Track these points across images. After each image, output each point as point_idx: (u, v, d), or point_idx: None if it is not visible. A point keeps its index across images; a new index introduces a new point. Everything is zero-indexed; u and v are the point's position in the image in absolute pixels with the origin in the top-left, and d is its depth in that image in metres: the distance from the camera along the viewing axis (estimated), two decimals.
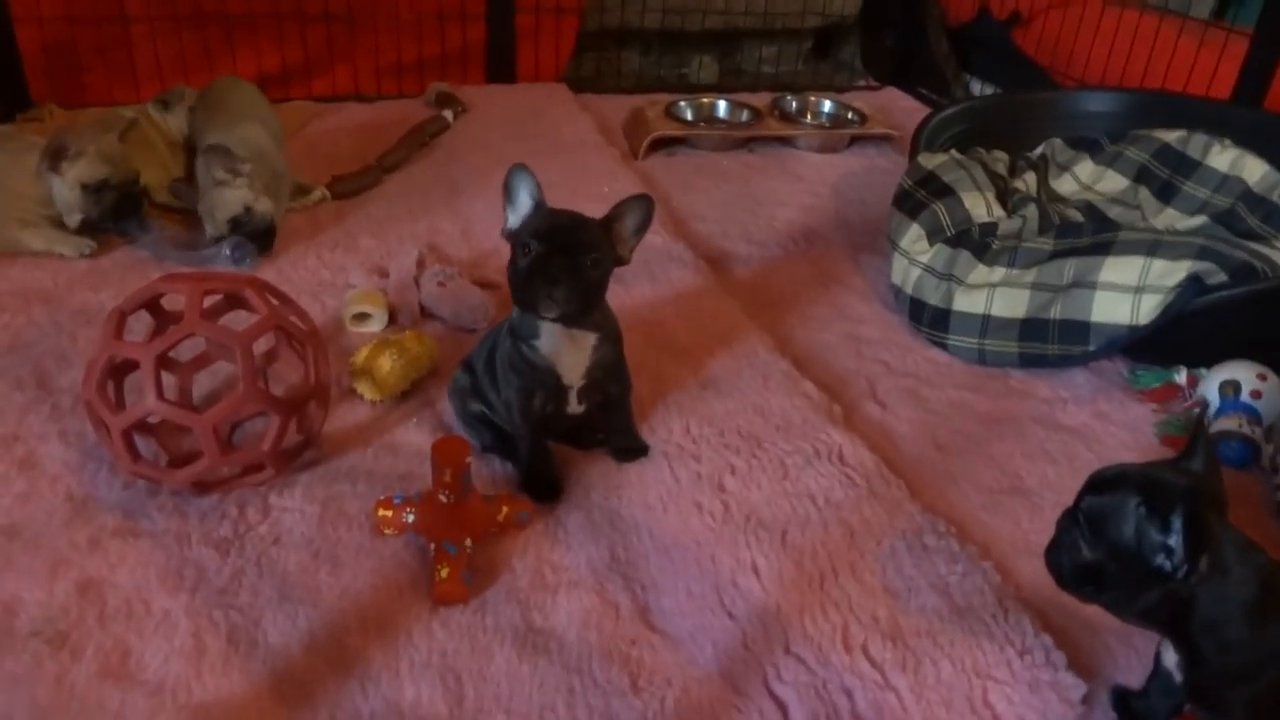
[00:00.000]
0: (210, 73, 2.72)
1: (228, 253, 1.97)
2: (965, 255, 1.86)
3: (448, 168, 2.52)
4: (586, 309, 1.27)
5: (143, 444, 1.35)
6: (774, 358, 1.73)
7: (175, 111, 2.28)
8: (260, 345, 1.44)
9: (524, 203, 1.30)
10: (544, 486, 1.41)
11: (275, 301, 1.39)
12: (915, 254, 1.92)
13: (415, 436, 1.52)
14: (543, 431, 1.43)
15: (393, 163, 2.48)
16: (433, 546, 1.27)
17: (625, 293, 1.90)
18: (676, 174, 2.63)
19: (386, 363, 1.58)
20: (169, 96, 2.31)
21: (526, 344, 1.34)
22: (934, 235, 1.91)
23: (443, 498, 1.27)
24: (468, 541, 1.27)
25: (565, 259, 1.22)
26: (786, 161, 2.74)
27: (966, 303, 1.82)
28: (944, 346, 1.83)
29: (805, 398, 1.62)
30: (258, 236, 1.99)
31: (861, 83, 3.42)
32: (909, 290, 1.91)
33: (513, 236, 1.30)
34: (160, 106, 2.29)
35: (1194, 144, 2.19)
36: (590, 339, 1.35)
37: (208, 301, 1.38)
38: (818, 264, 2.19)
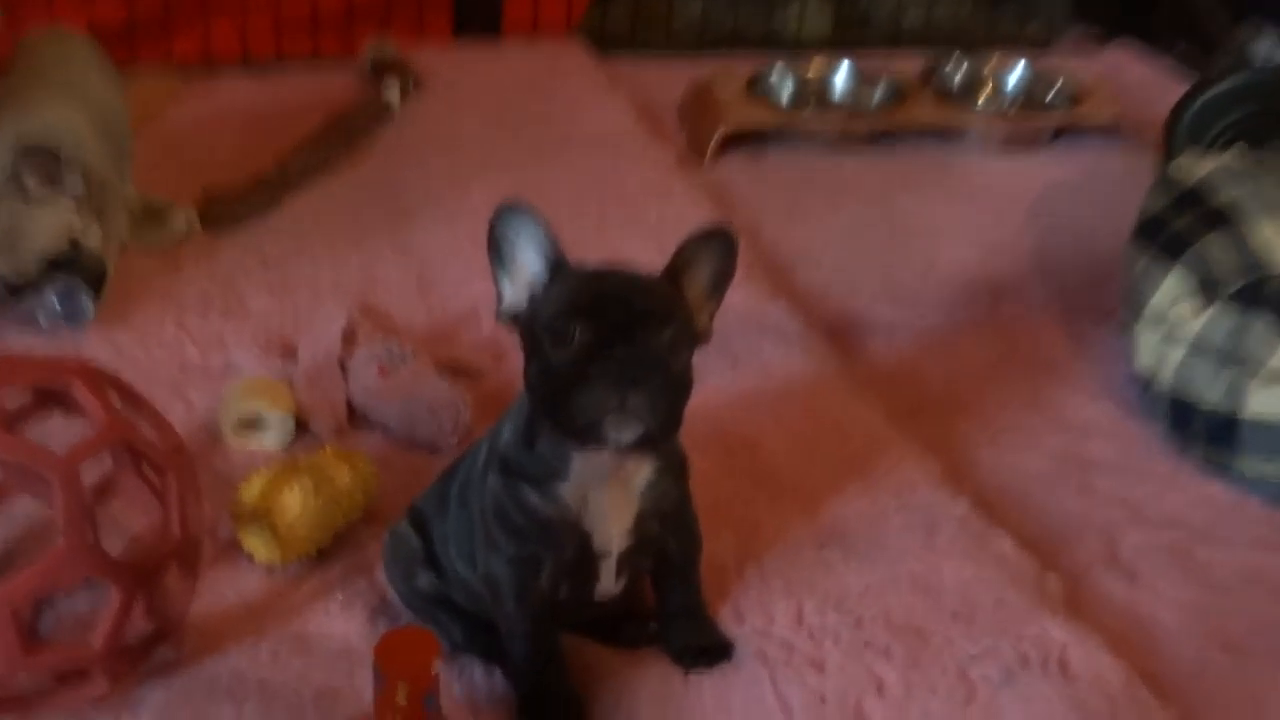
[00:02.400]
0: (14, 26, 2.81)
1: (55, 307, 2.02)
2: (1264, 322, 1.86)
3: (391, 179, 2.57)
4: (676, 422, 1.31)
5: None
6: (944, 496, 1.73)
7: None
8: (91, 472, 1.45)
9: (529, 265, 1.33)
10: (557, 712, 1.40)
11: (116, 401, 1.41)
12: (1176, 322, 1.92)
13: (343, 625, 1.52)
14: (554, 623, 1.43)
15: (302, 171, 2.54)
16: None
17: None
18: (769, 189, 2.66)
19: (294, 502, 1.58)
20: None
21: (536, 489, 1.35)
22: (1207, 290, 1.92)
23: None
24: None
25: (634, 345, 1.25)
26: (951, 168, 2.77)
27: (1269, 402, 1.82)
28: (1230, 475, 1.84)
29: (999, 564, 1.61)
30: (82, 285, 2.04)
31: (1072, 37, 3.47)
32: (1167, 383, 1.91)
33: (526, 321, 1.33)
34: None
35: None
36: (643, 472, 1.36)
37: (4, 399, 1.39)
38: (1009, 338, 2.18)
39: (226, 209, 2.40)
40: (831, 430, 1.86)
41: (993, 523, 1.70)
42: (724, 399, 1.92)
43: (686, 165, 2.71)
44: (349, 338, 1.97)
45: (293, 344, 2.00)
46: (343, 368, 1.92)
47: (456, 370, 1.95)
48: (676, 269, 1.34)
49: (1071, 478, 1.85)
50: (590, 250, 2.27)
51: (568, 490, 1.34)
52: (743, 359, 2.01)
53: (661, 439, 1.31)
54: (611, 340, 1.24)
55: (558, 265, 1.32)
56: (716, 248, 1.34)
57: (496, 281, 1.35)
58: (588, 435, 1.27)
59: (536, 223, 1.32)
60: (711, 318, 1.37)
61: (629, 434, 1.26)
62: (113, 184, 2.21)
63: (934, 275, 2.35)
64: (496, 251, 1.34)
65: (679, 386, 1.29)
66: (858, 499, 1.73)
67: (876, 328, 2.19)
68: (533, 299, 1.33)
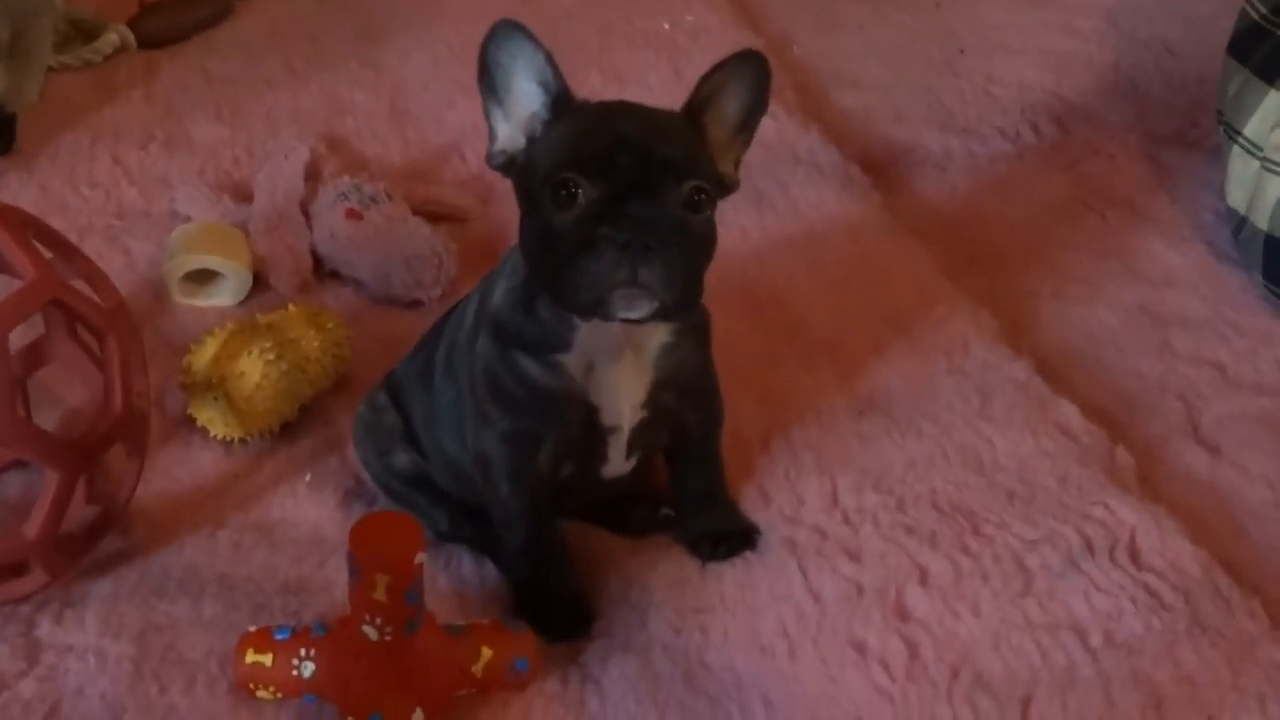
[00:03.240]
0: None
1: None
2: None
3: None
4: (699, 291, 1.30)
5: None
6: (1000, 357, 1.73)
7: None
8: (18, 336, 1.45)
9: (526, 98, 1.32)
10: (558, 608, 1.42)
11: (45, 251, 1.41)
12: (1276, 150, 1.91)
13: (312, 509, 1.54)
14: (554, 508, 1.44)
15: None
16: None
17: None
18: None
19: (253, 369, 1.59)
20: None
21: (535, 358, 1.35)
22: None
23: (370, 631, 1.28)
24: (418, 715, 1.29)
25: (649, 201, 1.23)
26: None
27: None
28: None
29: (1062, 435, 1.62)
30: None
31: None
32: (1263, 221, 1.91)
33: (523, 169, 1.32)
34: None
35: None
36: (658, 336, 1.36)
37: None
38: (1080, 172, 2.17)
39: (166, 22, 2.38)
40: (872, 280, 1.86)
41: (1056, 388, 1.69)
42: (748, 244, 1.92)
43: None
44: (312, 175, 1.97)
45: (247, 183, 2.00)
46: (305, 211, 1.92)
47: (438, 213, 1.95)
48: (698, 105, 1.32)
49: (1148, 335, 1.85)
50: (590, 68, 2.30)
51: (571, 360, 1.34)
52: (769, 197, 2.00)
53: (679, 314, 1.30)
54: (623, 198, 1.23)
55: (561, 100, 1.31)
56: (746, 77, 1.32)
57: (488, 116, 1.34)
58: (592, 311, 1.26)
59: (536, 48, 1.30)
60: (739, 162, 1.35)
61: (641, 310, 1.25)
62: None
63: (993, 97, 2.33)
64: (488, 81, 1.32)
65: (701, 251, 1.28)
66: (901, 360, 1.73)
67: (925, 160, 2.18)
68: (531, 140, 1.32)
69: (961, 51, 2.46)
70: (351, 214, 1.87)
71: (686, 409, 1.43)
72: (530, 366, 1.35)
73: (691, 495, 1.50)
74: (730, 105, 1.33)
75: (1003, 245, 2.01)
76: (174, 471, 1.59)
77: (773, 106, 2.17)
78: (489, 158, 1.34)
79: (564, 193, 1.24)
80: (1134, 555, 1.48)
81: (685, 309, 1.29)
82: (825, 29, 2.52)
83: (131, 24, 2.37)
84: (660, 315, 1.26)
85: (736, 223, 1.94)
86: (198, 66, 2.31)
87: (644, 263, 1.21)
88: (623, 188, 1.23)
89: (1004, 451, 1.60)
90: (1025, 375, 1.71)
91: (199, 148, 2.11)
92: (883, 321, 1.79)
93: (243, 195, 1.97)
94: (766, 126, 2.11)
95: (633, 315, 1.25)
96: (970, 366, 1.72)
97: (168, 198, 2.00)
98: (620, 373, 1.36)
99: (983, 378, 1.70)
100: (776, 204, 1.99)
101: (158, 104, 2.21)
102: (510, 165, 1.33)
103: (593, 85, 2.18)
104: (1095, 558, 1.47)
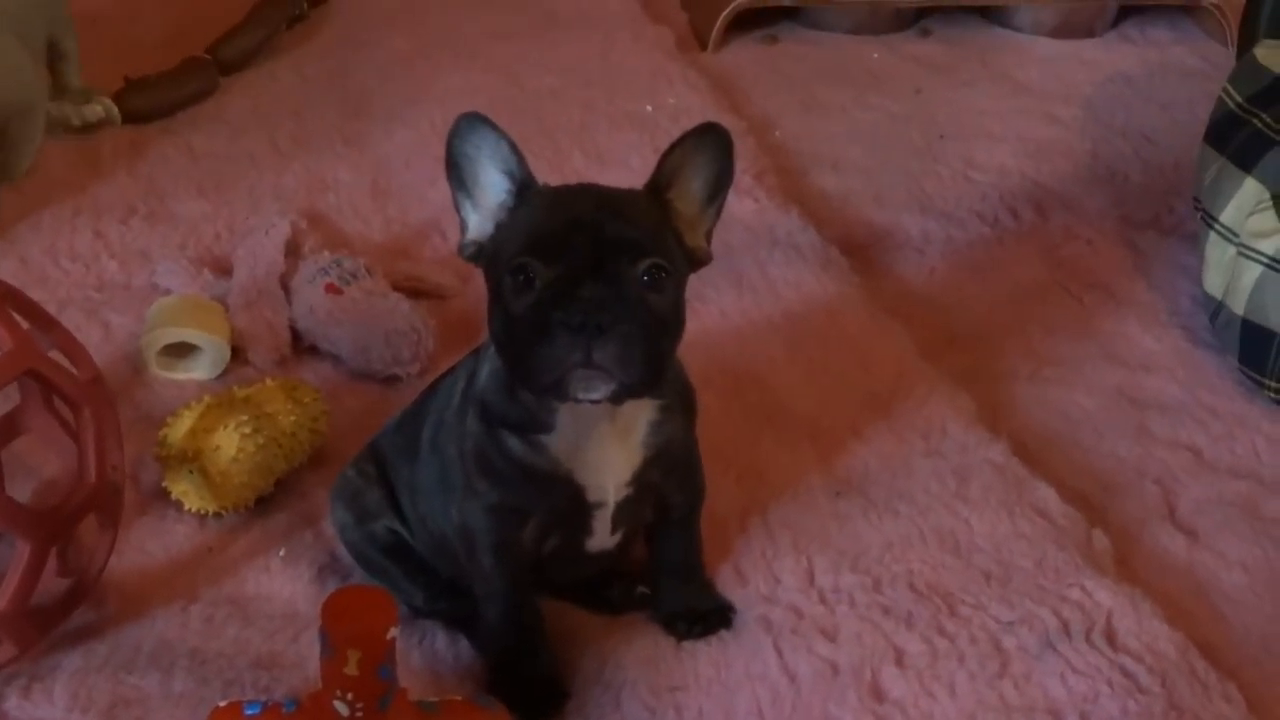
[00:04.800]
0: None
1: None
2: None
3: (342, 65, 2.56)
4: (659, 373, 1.29)
5: None
6: (978, 439, 1.74)
7: None
8: None
9: (493, 187, 1.33)
10: (532, 687, 1.42)
11: (22, 322, 1.41)
12: (1252, 236, 1.91)
13: (285, 584, 1.54)
14: (537, 583, 1.44)
15: (238, 53, 2.53)
16: None
17: (688, 313, 1.91)
18: (782, 80, 2.65)
19: (229, 442, 1.59)
20: None
21: (521, 439, 1.35)
22: None
23: (342, 707, 1.26)
24: None
25: (605, 281, 1.24)
26: (995, 55, 2.76)
27: None
28: None
29: (1039, 517, 1.62)
30: None
31: None
32: (1239, 308, 1.91)
33: (489, 257, 1.33)
34: None
35: None
36: (644, 413, 1.36)
37: None
38: (1058, 256, 2.18)
39: (151, 97, 2.40)
40: (851, 360, 1.86)
41: (1033, 470, 1.70)
42: (728, 325, 1.92)
43: (688, 50, 2.70)
44: (293, 251, 1.97)
45: (227, 258, 2.00)
46: (285, 286, 1.92)
47: (418, 290, 1.96)
48: (662, 181, 1.32)
49: (1125, 419, 1.85)
50: (573, 149, 2.31)
51: (557, 441, 1.34)
52: (749, 278, 2.01)
53: (640, 394, 1.30)
54: (577, 277, 1.23)
55: (524, 187, 1.32)
56: (709, 149, 1.32)
57: (458, 208, 1.35)
58: (553, 393, 1.27)
59: (499, 137, 1.31)
60: (710, 234, 1.36)
61: (598, 391, 1.25)
62: (26, 68, 2.19)
63: (972, 182, 2.35)
64: (456, 173, 1.33)
65: (662, 328, 1.27)
66: (879, 440, 1.73)
67: (905, 242, 2.19)
68: (498, 227, 1.33)
69: (941, 137, 2.48)
70: (331, 289, 1.88)
71: (671, 485, 1.43)
72: (516, 446, 1.35)
73: (669, 572, 1.50)
74: (695, 180, 1.33)
75: (981, 327, 2.02)
76: (147, 544, 1.58)
77: (753, 188, 2.23)
78: (460, 249, 1.36)
79: (521, 278, 1.25)
80: (1110, 637, 1.47)
81: (646, 388, 1.29)
82: (807, 112, 2.54)
83: (117, 98, 2.38)
84: (620, 395, 1.27)
85: (716, 303, 1.95)
86: (182, 142, 2.32)
87: (598, 344, 1.21)
88: (577, 270, 1.23)
89: (981, 533, 1.60)
90: (1003, 457, 1.71)
91: (181, 222, 2.11)
92: (861, 401, 1.80)
93: (223, 269, 1.98)
94: (746, 208, 2.16)
95: (592, 396, 1.26)
96: (948, 448, 1.73)
97: (148, 271, 2.00)
98: (606, 451, 1.36)
99: (960, 459, 1.71)
100: (756, 285, 2.00)
101: (141, 178, 2.22)
102: (479, 254, 1.34)
103: (575, 166, 2.21)
104: (1072, 640, 1.47)
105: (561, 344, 1.22)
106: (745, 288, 1.99)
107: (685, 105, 2.43)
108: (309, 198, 2.18)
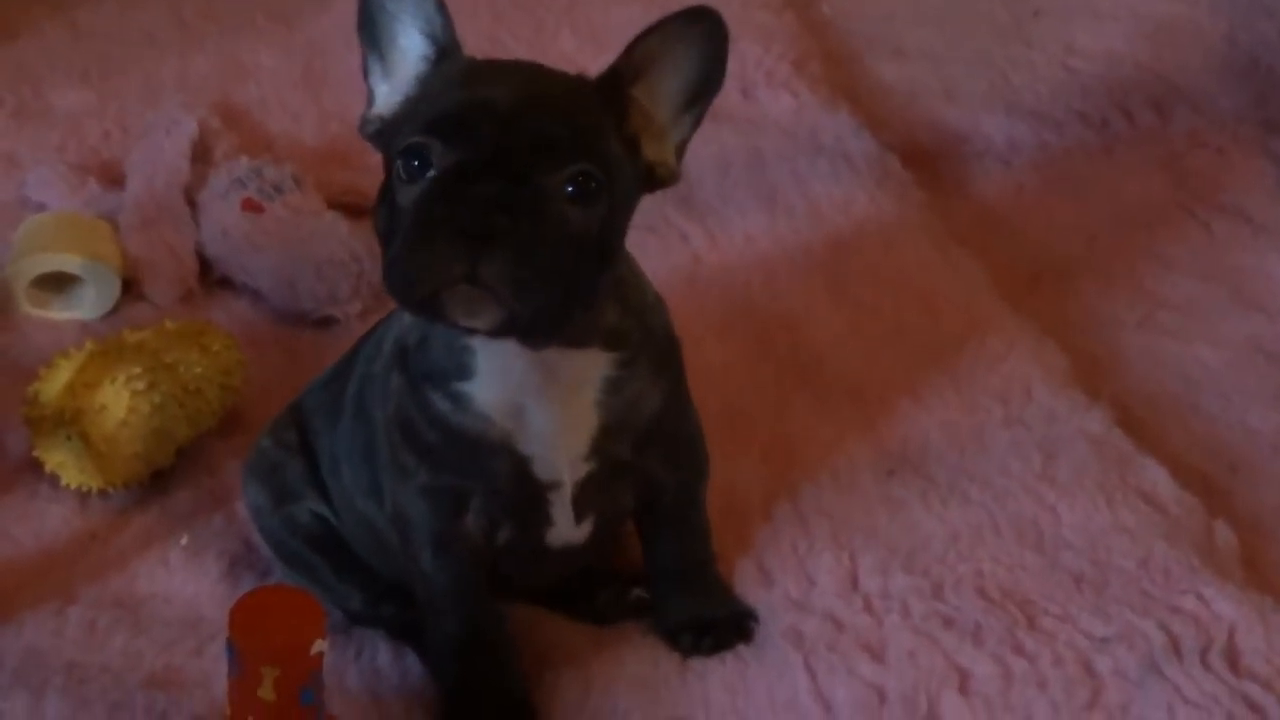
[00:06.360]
0: None
1: None
2: None
3: None
4: (565, 307, 1.28)
5: None
6: (1070, 404, 1.74)
7: None
8: None
9: (411, 50, 1.33)
10: (497, 714, 1.42)
11: None
12: None
13: (188, 582, 1.54)
14: (495, 586, 1.45)
15: None
16: None
17: (703, 238, 1.92)
18: None
19: (118, 401, 1.59)
20: None
21: (441, 390, 1.36)
22: None
23: None
24: None
25: (507, 181, 1.23)
26: None
27: None
28: None
29: (1146, 504, 1.62)
30: None
31: None
32: None
33: (384, 133, 1.33)
34: None
35: None
36: (595, 367, 1.36)
37: None
38: (1179, 169, 2.19)
39: None
40: (910, 304, 1.87)
41: (1141, 444, 1.69)
42: (754, 255, 1.93)
43: None
44: (201, 156, 1.98)
45: (118, 164, 2.01)
46: (191, 202, 1.93)
47: (360, 207, 1.92)
48: (627, 70, 1.31)
49: (1261, 379, 1.85)
50: (559, 26, 2.29)
51: (484, 393, 1.34)
52: (783, 195, 2.01)
53: (539, 330, 1.30)
54: (476, 172, 1.23)
55: (443, 52, 1.32)
56: (696, 41, 1.31)
57: (366, 75, 1.35)
58: (425, 313, 1.27)
59: None
60: (682, 148, 1.35)
61: (481, 319, 1.24)
62: None
63: (1073, 72, 2.34)
64: (370, 30, 1.34)
65: (582, 255, 1.26)
66: (944, 407, 1.74)
67: (984, 151, 2.20)
68: (406, 100, 1.33)
69: (1035, 13, 2.48)
70: (250, 205, 1.88)
71: (653, 462, 1.43)
72: (440, 403, 1.36)
73: (668, 572, 1.50)
74: (671, 77, 1.32)
75: (1078, 261, 2.02)
76: (13, 530, 1.59)
77: (791, 79, 2.21)
78: (360, 125, 1.35)
79: (415, 163, 1.25)
80: (1232, 659, 1.47)
81: (547, 324, 1.28)
82: None
83: None
84: (509, 328, 1.26)
85: (740, 227, 1.95)
86: (61, 17, 2.32)
87: (486, 255, 1.20)
88: (477, 161, 1.23)
89: (1071, 524, 1.60)
90: (1102, 428, 1.71)
91: (58, 118, 2.12)
92: (922, 357, 1.80)
93: (112, 179, 1.98)
94: (783, 104, 2.15)
95: (473, 324, 1.25)
96: (1031, 415, 1.72)
97: (16, 181, 2.01)
98: (553, 413, 1.36)
99: (1047, 430, 1.70)
100: (793, 204, 2.00)
101: (7, 62, 2.22)
102: (380, 133, 1.33)
103: (563, 48, 2.20)
104: (1183, 661, 1.46)
105: (442, 248, 1.21)
106: (779, 208, 1.99)
107: None
108: (222, 87, 2.18)
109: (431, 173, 1.24)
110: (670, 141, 1.34)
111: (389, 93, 1.34)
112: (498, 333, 1.26)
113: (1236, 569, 1.57)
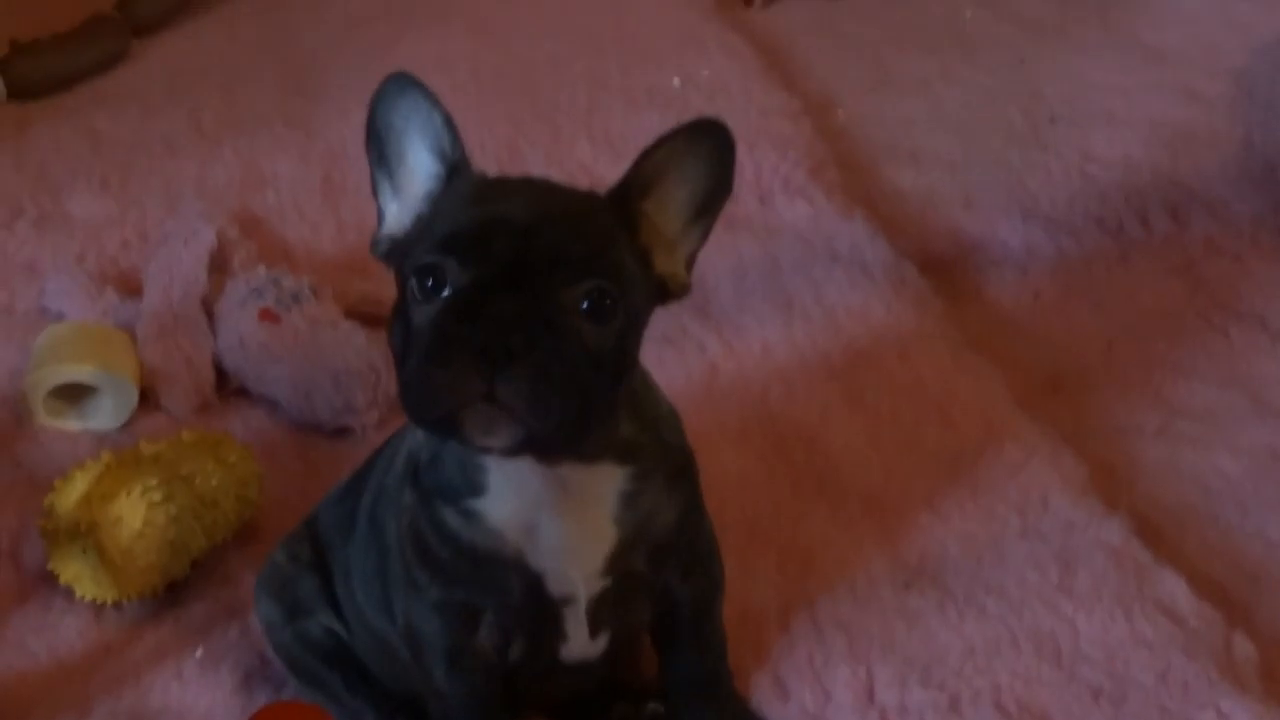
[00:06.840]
0: None
1: None
2: None
3: (285, 28, 2.59)
4: (583, 424, 1.27)
5: None
6: (1088, 513, 1.73)
7: None
8: None
9: (420, 169, 1.34)
10: None
11: None
12: None
13: (203, 693, 1.54)
14: (508, 701, 1.44)
15: (154, 9, 2.56)
16: None
17: (719, 347, 1.92)
18: (845, 44, 2.66)
19: (134, 512, 1.59)
20: None
21: (453, 506, 1.36)
22: None
23: None
24: None
25: (523, 299, 1.23)
26: (1119, 11, 2.77)
27: None
28: None
29: (1165, 617, 1.62)
30: None
31: None
32: None
33: (398, 252, 1.33)
34: None
35: None
36: (611, 481, 1.36)
37: None
38: (1197, 276, 2.19)
39: (43, 66, 2.42)
40: (927, 413, 1.87)
41: (1159, 555, 1.69)
42: (771, 365, 1.93)
43: (728, 7, 2.72)
44: (219, 266, 1.99)
45: (136, 274, 2.02)
46: (209, 312, 1.94)
47: (376, 317, 1.95)
48: (637, 184, 1.31)
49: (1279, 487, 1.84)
50: (577, 135, 2.30)
51: (496, 510, 1.34)
52: (801, 304, 2.02)
53: (556, 448, 1.30)
54: (491, 290, 1.22)
55: (455, 169, 1.32)
56: (704, 153, 1.31)
57: (376, 193, 1.35)
58: (444, 432, 1.27)
59: (432, 108, 1.32)
60: (692, 260, 1.35)
61: (500, 438, 1.23)
62: None
63: (1090, 179, 2.35)
64: (377, 149, 1.34)
65: (596, 369, 1.25)
66: (961, 517, 1.73)
67: (1001, 258, 2.20)
68: (418, 220, 1.33)
69: (1052, 120, 2.49)
70: (267, 315, 1.89)
71: (669, 575, 1.42)
72: (452, 519, 1.35)
73: (684, 685, 1.49)
74: (680, 189, 1.32)
75: (1096, 368, 2.01)
76: (29, 642, 1.58)
77: (808, 186, 2.22)
78: (371, 245, 1.35)
79: (429, 282, 1.24)
80: None
81: (565, 442, 1.27)
82: (879, 89, 2.56)
83: (1, 67, 2.40)
84: (527, 447, 1.25)
85: (758, 335, 1.96)
86: (81, 123, 2.34)
87: (504, 375, 1.19)
88: (493, 278, 1.22)
89: (1089, 637, 1.59)
90: (1120, 538, 1.70)
91: (78, 227, 2.13)
92: (939, 466, 1.80)
93: (130, 289, 1.99)
94: (799, 212, 2.16)
95: (489, 443, 1.24)
96: (1049, 526, 1.72)
97: (35, 290, 2.01)
98: (568, 529, 1.35)
99: (1065, 541, 1.70)
100: (809, 312, 2.01)
101: (29, 170, 2.24)
102: (392, 253, 1.33)
103: (580, 157, 2.21)
104: None
105: (459, 368, 1.20)
106: (795, 316, 2.00)
107: (723, 79, 2.44)
108: (240, 196, 2.19)
109: (447, 291, 1.23)
110: (681, 254, 1.34)
111: (399, 211, 1.34)
112: (514, 451, 1.25)
113: (1256, 681, 1.56)
